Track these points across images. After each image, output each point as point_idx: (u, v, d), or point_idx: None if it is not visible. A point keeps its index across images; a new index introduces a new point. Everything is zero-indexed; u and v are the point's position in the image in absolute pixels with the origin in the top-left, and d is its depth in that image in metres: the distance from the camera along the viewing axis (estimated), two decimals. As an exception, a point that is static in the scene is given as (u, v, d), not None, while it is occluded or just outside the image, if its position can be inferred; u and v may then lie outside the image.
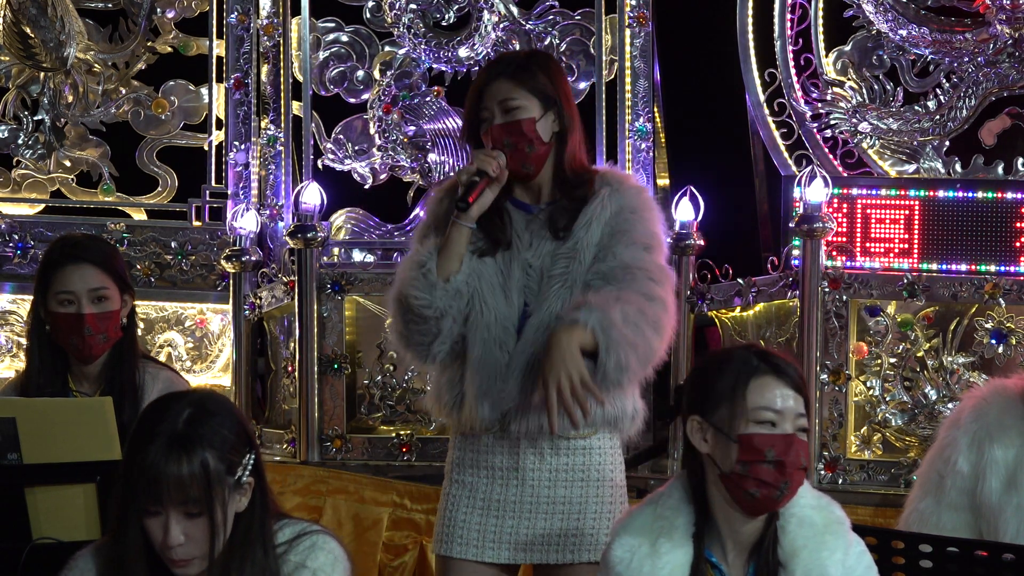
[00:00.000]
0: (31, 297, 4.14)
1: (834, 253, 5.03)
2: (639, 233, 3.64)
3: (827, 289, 4.91)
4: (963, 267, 5.00)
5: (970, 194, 5.04)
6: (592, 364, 3.49)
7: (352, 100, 5.78)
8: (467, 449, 3.74)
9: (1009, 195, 5.02)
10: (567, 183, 3.71)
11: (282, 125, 5.74)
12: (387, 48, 5.75)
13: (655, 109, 5.50)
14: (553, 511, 3.70)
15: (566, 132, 3.73)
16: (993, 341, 4.85)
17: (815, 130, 5.37)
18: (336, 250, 5.68)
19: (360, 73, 5.76)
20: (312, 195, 5.31)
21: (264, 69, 5.81)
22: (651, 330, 3.52)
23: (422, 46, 5.63)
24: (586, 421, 3.51)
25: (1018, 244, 5.00)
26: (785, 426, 2.93)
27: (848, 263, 5.04)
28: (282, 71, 5.72)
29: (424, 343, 3.64)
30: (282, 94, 5.73)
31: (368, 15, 5.76)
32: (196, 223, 5.86)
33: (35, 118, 6.00)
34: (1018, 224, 5.02)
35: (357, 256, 5.69)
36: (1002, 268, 4.96)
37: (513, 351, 3.62)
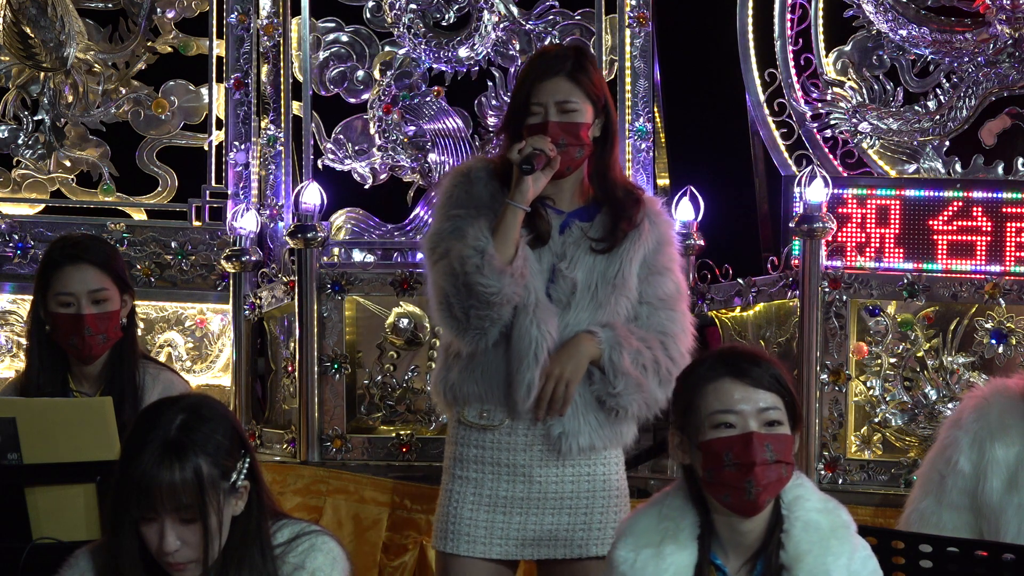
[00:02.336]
0: (31, 297, 4.15)
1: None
2: (672, 283, 3.80)
3: (827, 289, 4.91)
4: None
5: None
6: (603, 382, 3.67)
7: (352, 100, 5.78)
8: (471, 445, 3.75)
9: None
10: (613, 195, 3.76)
11: (282, 125, 5.73)
12: (387, 48, 5.75)
13: (655, 109, 5.50)
14: (561, 507, 3.72)
15: (612, 136, 3.78)
16: (993, 341, 4.85)
17: (815, 130, 5.37)
18: (336, 250, 5.67)
19: (360, 73, 5.76)
20: (312, 195, 5.31)
21: (264, 69, 5.81)
22: (656, 381, 3.70)
23: (422, 46, 5.63)
24: (549, 419, 3.67)
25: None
26: (748, 424, 2.92)
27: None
28: (282, 71, 5.72)
29: (484, 328, 3.65)
30: (282, 94, 5.73)
31: (368, 15, 5.75)
32: (196, 223, 5.86)
33: (35, 118, 6.00)
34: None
35: (357, 256, 5.68)
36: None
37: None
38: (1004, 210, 5.03)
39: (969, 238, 5.05)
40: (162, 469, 2.72)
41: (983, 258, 5.02)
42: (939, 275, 4.95)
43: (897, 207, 5.10)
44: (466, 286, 3.61)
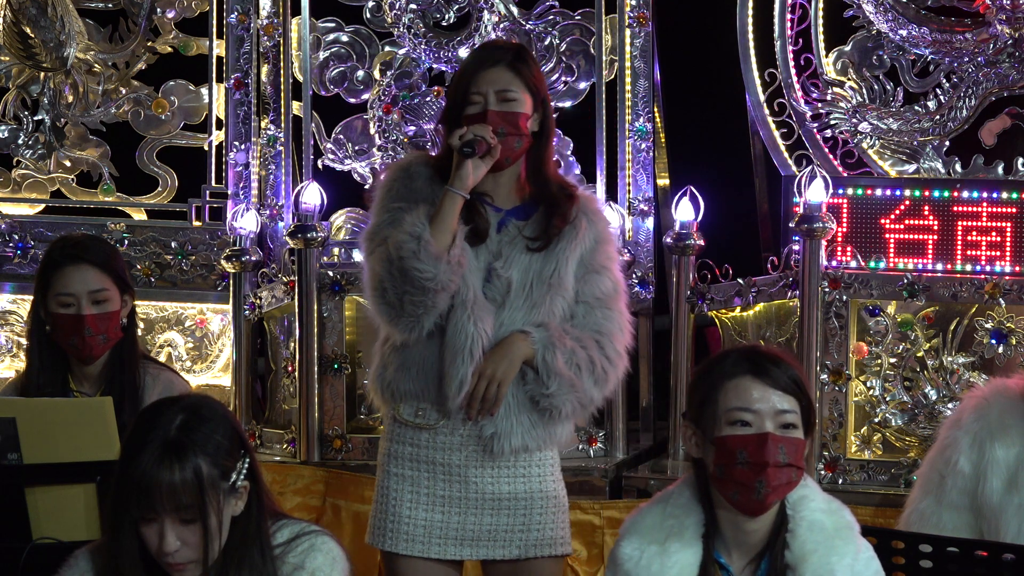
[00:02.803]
0: (31, 297, 4.15)
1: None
2: (609, 281, 3.76)
3: (827, 289, 4.91)
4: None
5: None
6: (536, 382, 3.65)
7: (352, 100, 5.78)
8: (405, 443, 3.73)
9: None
10: (547, 191, 3.75)
11: (282, 125, 5.73)
12: (387, 48, 5.74)
13: (655, 109, 5.49)
14: (498, 508, 3.70)
15: (547, 133, 3.77)
16: (993, 341, 4.85)
17: (815, 130, 5.36)
18: (336, 250, 5.67)
19: (360, 73, 5.76)
20: (312, 195, 5.31)
21: (264, 69, 5.80)
22: (592, 380, 3.68)
23: (422, 46, 5.63)
24: (480, 418, 3.65)
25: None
26: (764, 424, 2.92)
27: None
28: (282, 71, 5.72)
29: (417, 315, 3.62)
30: (282, 94, 5.73)
31: (368, 15, 5.75)
32: (196, 223, 5.85)
33: (35, 118, 6.00)
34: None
35: (357, 256, 5.68)
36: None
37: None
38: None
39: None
40: (162, 469, 2.72)
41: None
42: (939, 275, 4.95)
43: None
44: (401, 271, 3.57)
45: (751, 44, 5.44)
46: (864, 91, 5.33)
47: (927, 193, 5.06)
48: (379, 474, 3.79)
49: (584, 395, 3.68)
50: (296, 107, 5.74)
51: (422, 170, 3.75)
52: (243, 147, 5.80)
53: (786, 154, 5.39)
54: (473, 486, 3.69)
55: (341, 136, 5.76)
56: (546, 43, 5.55)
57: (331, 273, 5.31)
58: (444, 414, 3.68)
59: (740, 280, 5.11)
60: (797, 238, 4.96)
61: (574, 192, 3.77)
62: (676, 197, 5.18)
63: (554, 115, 3.82)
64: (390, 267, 3.60)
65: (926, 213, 5.06)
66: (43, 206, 6.02)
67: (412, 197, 3.69)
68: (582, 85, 5.55)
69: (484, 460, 3.69)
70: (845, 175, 5.28)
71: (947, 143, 5.27)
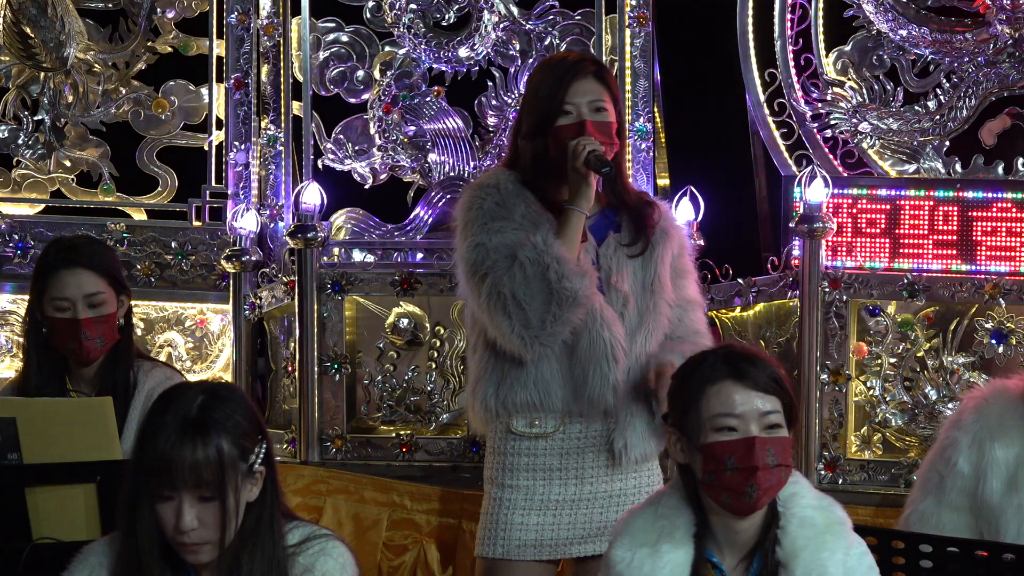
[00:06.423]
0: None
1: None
2: (695, 285, 3.94)
3: (827, 289, 4.91)
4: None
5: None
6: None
7: (352, 100, 5.77)
8: (521, 454, 3.79)
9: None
10: (627, 199, 3.84)
11: (282, 125, 5.73)
12: (387, 48, 5.74)
13: (655, 109, 5.49)
14: (609, 504, 3.78)
15: (623, 141, 3.90)
16: (993, 341, 4.85)
17: (815, 130, 5.36)
18: (336, 250, 5.67)
19: (360, 73, 5.76)
20: (312, 195, 5.31)
21: (264, 69, 5.80)
22: None
23: (422, 46, 5.63)
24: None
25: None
26: (749, 428, 2.92)
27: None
28: (282, 71, 5.72)
29: (557, 333, 3.66)
30: (282, 94, 5.72)
31: (368, 15, 5.75)
32: (196, 223, 5.85)
33: (35, 118, 6.00)
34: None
35: (357, 256, 5.68)
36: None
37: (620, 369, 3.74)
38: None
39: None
40: (184, 447, 2.74)
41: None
42: (939, 275, 4.95)
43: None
44: (547, 292, 3.61)
45: (751, 44, 5.44)
46: (864, 91, 5.33)
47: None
48: (490, 488, 3.84)
49: None
50: (296, 107, 5.73)
51: (511, 187, 3.79)
52: (243, 147, 5.80)
53: (786, 154, 5.39)
54: (588, 485, 3.78)
55: (341, 136, 5.76)
56: (546, 43, 5.54)
57: (331, 273, 5.31)
58: (561, 420, 3.75)
59: (740, 280, 5.11)
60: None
61: (650, 198, 3.92)
62: (676, 197, 5.18)
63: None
64: (530, 287, 3.63)
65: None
66: (43, 206, 6.02)
67: (507, 215, 3.73)
68: (582, 85, 5.55)
69: (599, 460, 3.78)
70: (845, 175, 5.28)
71: (947, 143, 5.27)
